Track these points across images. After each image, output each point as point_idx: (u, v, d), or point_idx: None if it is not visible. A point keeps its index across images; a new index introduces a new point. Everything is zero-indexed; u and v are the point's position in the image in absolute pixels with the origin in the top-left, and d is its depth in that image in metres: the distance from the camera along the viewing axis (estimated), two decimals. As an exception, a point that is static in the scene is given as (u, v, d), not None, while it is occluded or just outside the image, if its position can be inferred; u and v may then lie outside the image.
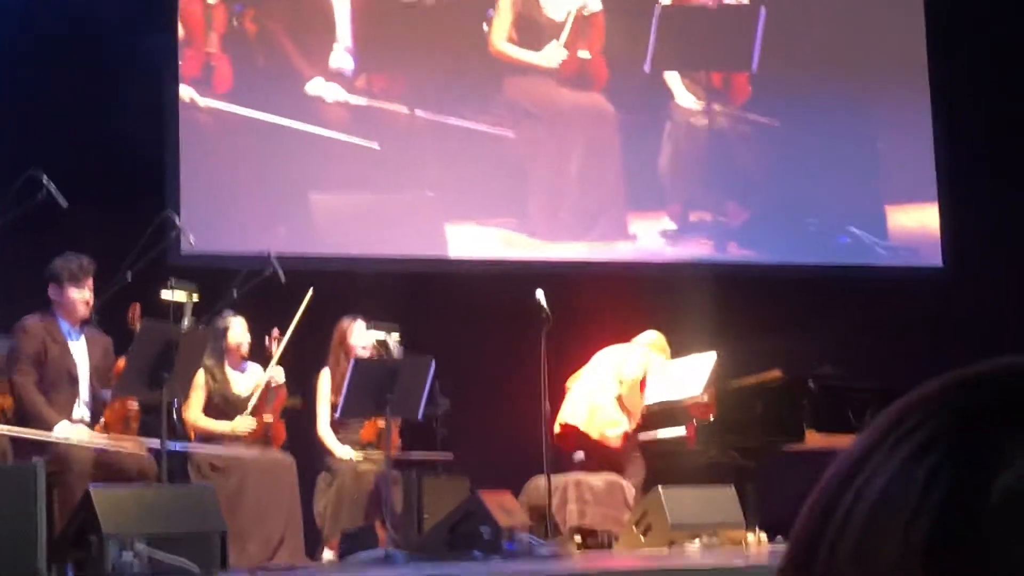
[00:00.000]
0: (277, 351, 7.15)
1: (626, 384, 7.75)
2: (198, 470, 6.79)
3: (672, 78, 9.55)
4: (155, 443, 6.22)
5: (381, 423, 7.10)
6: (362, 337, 7.35)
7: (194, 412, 7.00)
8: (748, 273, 9.55)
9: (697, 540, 7.08)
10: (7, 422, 6.25)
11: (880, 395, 7.44)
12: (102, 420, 6.43)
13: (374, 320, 7.42)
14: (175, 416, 6.80)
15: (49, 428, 6.14)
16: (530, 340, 7.46)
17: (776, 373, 7.51)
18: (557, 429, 7.71)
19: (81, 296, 6.40)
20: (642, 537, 7.22)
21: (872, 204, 9.77)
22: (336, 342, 7.39)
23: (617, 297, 9.01)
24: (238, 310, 7.23)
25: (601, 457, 7.68)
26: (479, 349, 8.50)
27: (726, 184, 9.58)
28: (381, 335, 7.34)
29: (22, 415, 6.23)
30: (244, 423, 6.97)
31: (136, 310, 6.70)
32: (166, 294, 6.77)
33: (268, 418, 7.13)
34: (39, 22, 8.32)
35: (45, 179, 6.60)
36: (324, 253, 8.86)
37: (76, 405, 6.34)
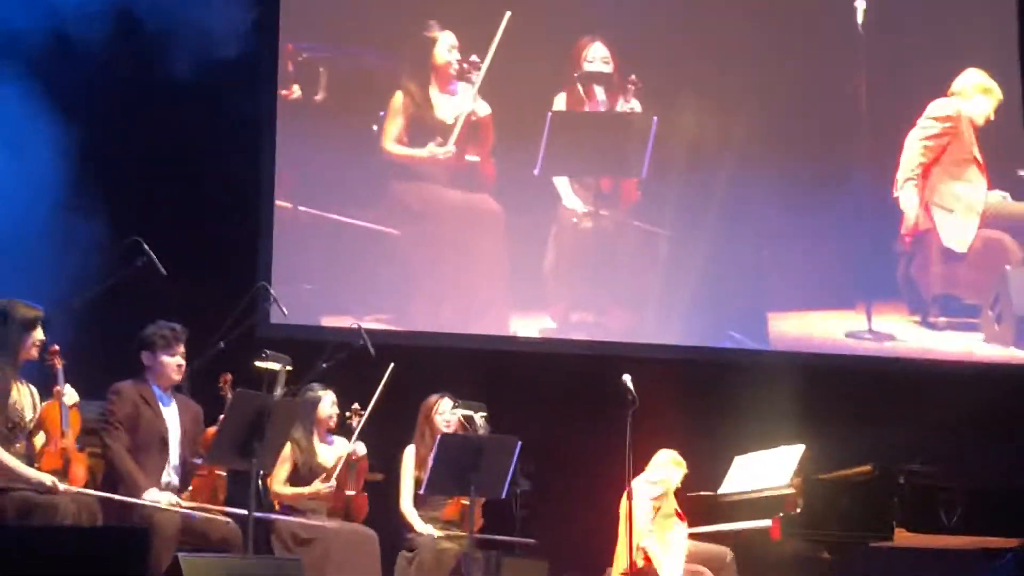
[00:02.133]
0: (359, 425, 7.16)
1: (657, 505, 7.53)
2: (282, 542, 6.78)
3: (560, 181, 9.55)
4: (242, 512, 6.20)
5: (464, 501, 7.07)
6: (448, 414, 7.34)
7: (278, 482, 7.01)
8: (840, 364, 9.47)
9: (781, 635, 6.95)
10: (97, 485, 6.28)
11: (972, 494, 7.30)
12: (189, 487, 6.44)
13: (461, 399, 7.42)
14: (261, 486, 6.81)
15: (140, 492, 6.15)
16: (614, 425, 7.41)
17: (866, 468, 7.38)
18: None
19: (174, 362, 6.46)
20: (725, 631, 7.10)
21: (753, 310, 9.67)
22: (422, 418, 7.39)
23: (703, 386, 8.96)
24: (325, 383, 7.26)
25: None
26: (562, 432, 8.46)
27: (609, 286, 9.52)
28: (467, 412, 7.32)
29: (113, 478, 6.25)
30: (322, 485, 6.96)
31: (227, 379, 6.73)
32: (260, 364, 6.80)
33: (351, 491, 7.12)
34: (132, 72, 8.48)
35: (145, 247, 6.70)
36: (411, 330, 8.90)
37: (165, 471, 6.36)
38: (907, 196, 9.95)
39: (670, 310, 9.58)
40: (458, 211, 9.41)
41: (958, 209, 10.07)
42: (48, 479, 5.86)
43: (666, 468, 7.61)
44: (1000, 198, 10.14)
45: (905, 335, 9.83)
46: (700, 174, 9.73)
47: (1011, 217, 10.19)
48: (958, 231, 10.04)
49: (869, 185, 9.96)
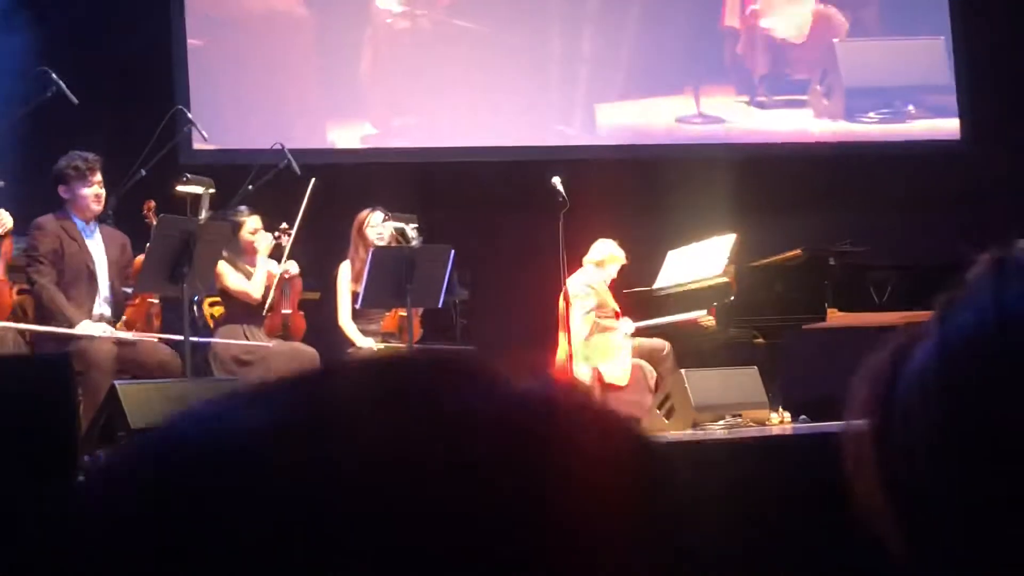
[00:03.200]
0: (288, 244, 7.12)
1: (589, 302, 7.59)
2: (221, 365, 6.79)
3: None
4: (178, 338, 6.20)
5: (402, 313, 7.09)
6: (380, 227, 7.31)
7: (229, 282, 6.92)
8: (767, 152, 9.47)
9: (721, 421, 7.08)
10: (28, 323, 6.23)
11: (902, 272, 7.40)
12: (123, 317, 6.41)
13: (392, 211, 7.38)
14: (196, 311, 6.78)
15: (71, 326, 6.11)
16: (547, 227, 7.41)
17: (796, 252, 7.45)
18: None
19: (91, 192, 6.32)
20: (665, 420, 7.22)
21: (581, 102, 9.42)
22: (355, 233, 7.36)
23: (633, 181, 8.95)
24: (251, 205, 7.18)
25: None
26: (495, 238, 8.46)
27: (430, 88, 9.14)
28: (399, 225, 7.30)
29: (43, 314, 6.20)
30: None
31: (151, 206, 6.65)
32: (182, 188, 6.70)
33: (286, 311, 7.13)
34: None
35: (55, 76, 6.52)
36: (335, 146, 8.77)
37: (96, 302, 6.31)
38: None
39: (495, 108, 9.25)
40: (263, 17, 8.95)
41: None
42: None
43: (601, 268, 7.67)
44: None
45: (734, 116, 9.65)
46: None
47: None
48: (789, 16, 9.82)
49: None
